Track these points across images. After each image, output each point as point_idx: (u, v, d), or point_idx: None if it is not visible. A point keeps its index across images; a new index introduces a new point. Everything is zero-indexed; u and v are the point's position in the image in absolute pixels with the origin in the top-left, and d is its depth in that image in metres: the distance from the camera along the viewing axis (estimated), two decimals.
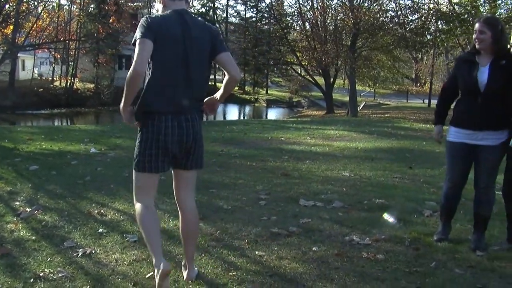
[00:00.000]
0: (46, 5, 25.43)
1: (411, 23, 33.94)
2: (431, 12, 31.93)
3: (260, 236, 5.45)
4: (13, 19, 19.71)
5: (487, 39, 4.93)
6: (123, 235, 5.42)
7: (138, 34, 3.94)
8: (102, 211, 6.35)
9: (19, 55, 44.31)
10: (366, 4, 35.41)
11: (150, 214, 4.28)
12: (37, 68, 59.81)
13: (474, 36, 5.08)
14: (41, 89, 47.47)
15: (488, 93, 4.95)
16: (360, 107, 40.56)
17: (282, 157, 10.91)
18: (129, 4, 58.08)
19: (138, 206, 4.27)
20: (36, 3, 21.40)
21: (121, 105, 4.03)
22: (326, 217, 6.17)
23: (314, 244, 5.23)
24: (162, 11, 4.28)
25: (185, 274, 4.49)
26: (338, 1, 37.33)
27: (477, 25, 5.05)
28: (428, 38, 34.66)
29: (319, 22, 37.01)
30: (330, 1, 37.78)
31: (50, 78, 54.94)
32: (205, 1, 71.23)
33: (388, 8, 35.65)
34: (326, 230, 5.70)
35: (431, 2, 33.38)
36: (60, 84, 51.21)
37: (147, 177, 4.24)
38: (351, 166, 10.01)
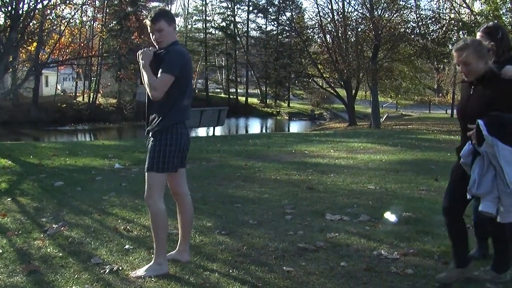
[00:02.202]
0: (69, 22, 25.53)
1: (432, 34, 33.72)
2: (453, 22, 31.76)
3: (287, 251, 5.41)
4: (37, 36, 19.84)
5: None
6: (150, 251, 5.39)
7: (173, 69, 4.77)
8: (128, 227, 6.35)
9: (42, 71, 44.73)
10: (387, 15, 35.32)
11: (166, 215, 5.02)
12: (60, 84, 60.32)
13: None
14: (64, 105, 47.87)
15: None
16: (383, 119, 40.37)
17: (307, 171, 10.85)
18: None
19: (162, 206, 4.92)
20: (59, 20, 21.50)
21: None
22: (353, 231, 6.11)
23: (342, 259, 5.19)
24: (170, 36, 4.96)
25: (183, 257, 5.22)
26: (359, 13, 37.30)
27: (477, 35, 5.03)
28: (450, 48, 34.42)
29: (340, 34, 36.96)
30: (350, 13, 37.77)
31: (73, 94, 55.41)
32: (226, 16, 71.59)
33: (409, 19, 35.54)
34: (353, 245, 5.65)
35: (452, 12, 33.24)
36: (83, 99, 51.65)
37: (166, 177, 4.99)
38: (376, 179, 9.93)
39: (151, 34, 4.93)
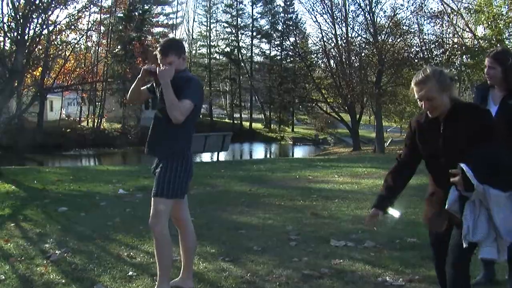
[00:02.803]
0: (74, 48, 25.71)
1: (436, 58, 33.82)
2: (456, 46, 31.84)
3: (292, 278, 5.37)
4: (42, 62, 19.95)
5: (498, 74, 4.79)
6: (154, 277, 5.36)
7: (196, 98, 4.85)
8: (131, 253, 6.32)
9: (47, 96, 44.88)
10: (390, 40, 35.50)
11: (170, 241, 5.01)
12: (65, 109, 60.47)
13: (485, 71, 4.94)
14: (68, 130, 47.94)
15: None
16: (387, 143, 40.39)
17: (311, 196, 10.79)
18: (156, 45, 58.80)
19: (166, 232, 4.90)
20: (64, 45, 21.66)
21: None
22: (358, 257, 6.07)
23: (346, 286, 5.15)
24: (180, 66, 4.97)
25: (187, 284, 5.18)
26: (362, 38, 37.50)
27: (486, 60, 4.91)
28: (454, 72, 34.52)
29: (343, 59, 37.12)
30: (354, 38, 37.95)
31: (78, 119, 55.55)
32: (230, 41, 71.93)
33: (413, 43, 35.71)
34: (358, 271, 5.61)
35: (456, 36, 33.32)
36: (88, 124, 51.75)
37: (172, 203, 4.96)
38: None
39: (160, 65, 4.92)
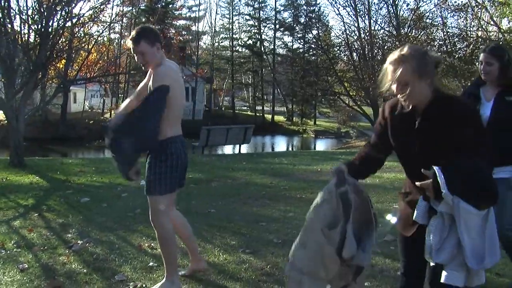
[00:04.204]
0: (97, 40, 25.84)
1: (459, 52, 33.50)
2: (480, 40, 31.52)
3: None
4: (66, 54, 20.03)
5: (494, 71, 4.66)
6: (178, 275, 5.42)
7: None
8: (152, 244, 6.36)
9: (71, 88, 45.14)
10: (413, 33, 35.23)
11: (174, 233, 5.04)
12: (88, 101, 60.84)
13: (480, 67, 4.75)
14: (91, 121, 48.20)
15: (491, 129, 4.36)
16: None
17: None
18: (178, 37, 58.88)
19: (169, 226, 4.92)
20: (87, 37, 21.74)
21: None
22: (377, 251, 6.05)
23: (366, 279, 5.13)
24: (162, 60, 4.90)
25: (200, 265, 5.34)
26: (385, 31, 37.26)
27: (482, 56, 4.78)
28: (477, 66, 34.14)
29: (366, 52, 36.92)
30: (377, 31, 37.74)
31: (101, 110, 55.86)
32: (252, 33, 71.84)
33: (436, 37, 35.41)
34: (378, 265, 5.61)
35: (480, 30, 32.99)
36: (111, 116, 51.95)
37: (170, 196, 4.97)
38: None
39: (135, 56, 4.90)
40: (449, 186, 2.94)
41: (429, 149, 3.19)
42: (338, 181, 3.37)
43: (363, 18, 38.01)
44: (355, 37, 38.35)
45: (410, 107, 3.26)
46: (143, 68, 4.96)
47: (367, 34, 37.38)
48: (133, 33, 4.84)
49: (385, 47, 36.49)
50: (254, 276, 5.25)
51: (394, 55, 3.28)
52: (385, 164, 11.82)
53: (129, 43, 4.87)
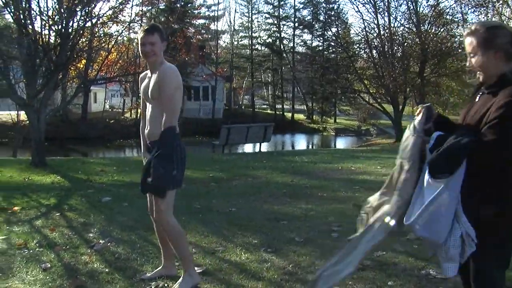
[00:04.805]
0: (117, 40, 25.97)
1: None
2: None
3: None
4: (86, 54, 20.15)
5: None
6: (195, 268, 5.40)
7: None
8: None
9: (91, 88, 45.40)
10: (433, 30, 35.01)
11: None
12: (108, 100, 61.20)
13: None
14: (112, 121, 48.49)
15: None
16: None
17: (353, 187, 10.74)
18: (198, 36, 58.97)
19: (174, 221, 4.99)
20: (107, 38, 21.85)
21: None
22: (400, 249, 6.01)
23: (389, 278, 5.10)
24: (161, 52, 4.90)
25: (171, 271, 5.30)
26: (405, 27, 37.03)
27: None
28: None
29: (386, 49, 36.73)
30: (397, 28, 37.53)
31: (121, 110, 56.15)
32: (272, 32, 71.74)
33: (456, 33, 35.14)
34: (401, 264, 5.55)
35: None
36: (131, 115, 52.23)
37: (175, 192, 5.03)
38: None
39: (140, 47, 4.87)
40: (431, 151, 3.11)
41: (469, 124, 3.19)
42: (425, 118, 3.35)
43: (383, 15, 37.79)
44: (375, 34, 38.12)
45: (481, 80, 3.28)
46: (145, 59, 4.94)
47: (387, 31, 37.16)
48: (147, 25, 4.94)
49: (405, 44, 36.32)
50: (276, 276, 5.21)
51: (467, 29, 3.31)
52: None
53: (140, 34, 4.90)
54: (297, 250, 6.06)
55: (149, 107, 5.03)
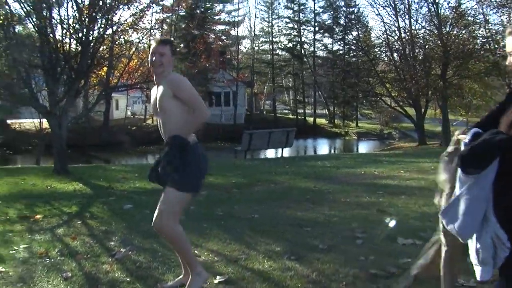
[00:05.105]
0: (137, 47, 26.04)
1: (503, 49, 32.85)
2: None
3: (358, 278, 5.23)
4: (107, 61, 20.23)
5: None
6: (216, 276, 5.32)
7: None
8: (195, 251, 6.27)
9: (113, 95, 45.61)
10: (455, 31, 34.72)
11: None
12: (130, 107, 61.45)
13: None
14: (134, 128, 48.66)
15: None
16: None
17: (377, 192, 10.60)
18: (218, 42, 59.08)
19: (178, 227, 4.95)
20: (128, 45, 21.91)
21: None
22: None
23: (416, 286, 4.97)
24: (170, 64, 4.92)
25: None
26: (426, 30, 36.78)
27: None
28: None
29: (407, 52, 36.51)
30: (418, 30, 37.30)
31: (143, 117, 56.35)
32: (292, 36, 71.69)
33: (478, 34, 34.80)
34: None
35: None
36: (153, 122, 52.40)
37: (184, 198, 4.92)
38: None
39: (150, 56, 4.88)
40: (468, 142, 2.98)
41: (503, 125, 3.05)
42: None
43: (403, 18, 37.61)
44: (396, 37, 37.92)
45: None
46: (152, 69, 4.93)
47: (408, 33, 36.94)
48: (161, 38, 5.09)
49: (427, 46, 36.06)
50: (300, 284, 5.10)
51: (509, 27, 3.10)
52: (430, 165, 11.65)
53: (152, 43, 4.97)
54: (321, 257, 5.95)
55: (160, 121, 5.04)
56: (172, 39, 48.99)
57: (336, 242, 6.61)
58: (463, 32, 34.71)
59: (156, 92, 4.96)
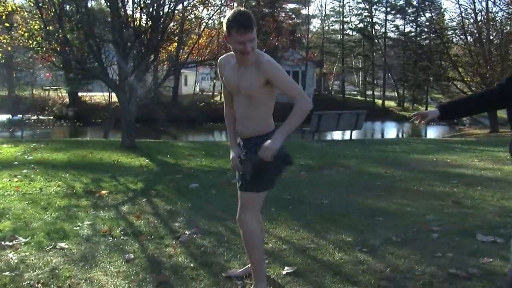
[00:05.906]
0: (207, 24, 25.96)
1: None
2: None
3: (436, 277, 4.83)
4: (177, 37, 20.18)
5: None
6: (284, 267, 5.06)
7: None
8: (265, 239, 6.02)
9: (182, 71, 45.80)
10: None
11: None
12: (198, 84, 61.79)
13: None
14: (202, 104, 48.87)
15: None
16: None
17: (451, 182, 10.12)
18: (288, 21, 58.70)
19: (255, 226, 4.46)
20: (198, 21, 21.81)
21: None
22: (510, 257, 5.46)
23: None
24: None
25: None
26: (505, 13, 35.57)
27: None
28: None
29: (483, 36, 35.38)
30: (495, 13, 36.12)
31: (211, 93, 56.57)
32: (363, 17, 70.78)
33: None
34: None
35: None
36: (221, 99, 52.56)
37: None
38: None
39: (237, 44, 4.16)
40: None
41: None
42: None
43: (480, 0, 36.49)
44: (472, 20, 36.79)
45: None
46: (242, 56, 4.20)
47: (484, 17, 35.78)
48: (243, 19, 4.22)
49: (504, 30, 34.86)
50: (373, 280, 4.77)
51: None
52: (506, 155, 11.09)
53: (234, 29, 4.16)
54: (395, 251, 5.60)
55: (239, 101, 4.48)
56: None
57: (410, 235, 6.24)
58: None
59: (238, 72, 4.34)
